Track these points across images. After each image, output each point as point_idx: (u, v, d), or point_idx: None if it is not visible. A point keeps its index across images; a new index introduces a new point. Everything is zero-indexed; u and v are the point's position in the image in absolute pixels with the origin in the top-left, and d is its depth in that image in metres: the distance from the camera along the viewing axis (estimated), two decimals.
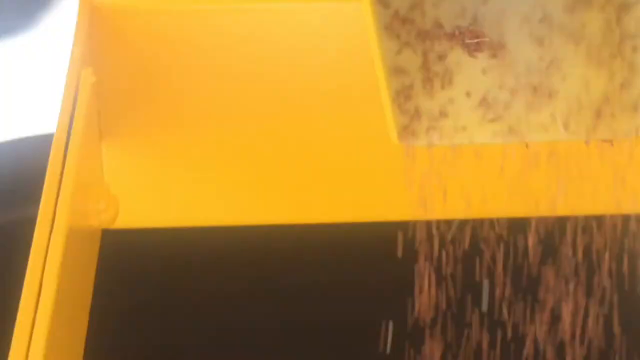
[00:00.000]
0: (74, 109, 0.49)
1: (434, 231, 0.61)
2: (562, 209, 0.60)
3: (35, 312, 0.42)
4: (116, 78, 0.56)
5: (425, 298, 0.65)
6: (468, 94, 0.50)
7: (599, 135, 0.51)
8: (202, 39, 0.56)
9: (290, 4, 0.55)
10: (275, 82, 0.58)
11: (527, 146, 0.53)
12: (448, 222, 0.62)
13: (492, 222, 0.64)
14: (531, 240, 0.64)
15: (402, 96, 0.49)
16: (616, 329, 0.70)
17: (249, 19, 0.55)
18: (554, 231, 0.65)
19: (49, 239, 0.45)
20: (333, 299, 0.77)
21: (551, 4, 0.50)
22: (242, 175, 0.62)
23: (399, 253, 0.61)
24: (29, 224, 0.52)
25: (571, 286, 0.69)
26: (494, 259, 0.67)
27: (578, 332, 0.71)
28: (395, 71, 0.49)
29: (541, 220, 0.63)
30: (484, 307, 0.70)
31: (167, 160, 0.60)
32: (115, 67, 0.56)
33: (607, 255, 0.64)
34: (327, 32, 0.55)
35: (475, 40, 0.51)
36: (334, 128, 0.61)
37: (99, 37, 0.54)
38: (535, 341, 0.72)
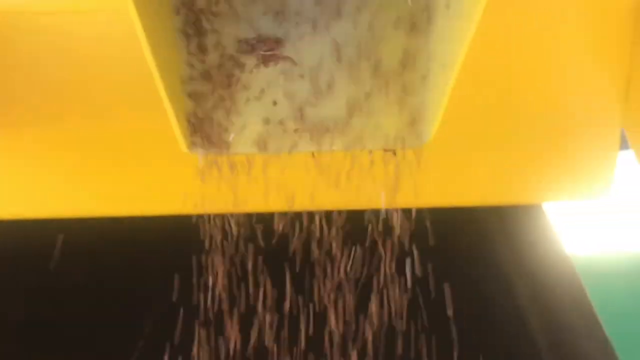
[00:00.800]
0: None
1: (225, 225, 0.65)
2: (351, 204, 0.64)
3: None
4: None
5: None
6: (253, 108, 0.53)
7: (380, 146, 0.55)
8: (24, 42, 0.57)
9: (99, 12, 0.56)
10: (83, 89, 0.59)
11: (312, 155, 0.56)
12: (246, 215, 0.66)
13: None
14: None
15: (190, 112, 0.51)
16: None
17: (55, 24, 0.56)
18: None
19: None
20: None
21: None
22: (67, 170, 0.63)
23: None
24: None
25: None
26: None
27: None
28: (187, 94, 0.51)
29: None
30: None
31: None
32: None
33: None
34: (124, 42, 0.56)
35: (270, 52, 0.54)
36: (133, 130, 0.62)
37: None
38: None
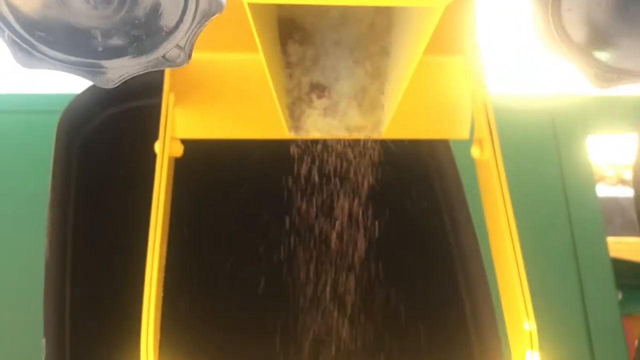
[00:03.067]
0: (167, 111, 1.28)
1: None
2: None
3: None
4: (186, 88, 1.32)
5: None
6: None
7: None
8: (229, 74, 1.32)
9: None
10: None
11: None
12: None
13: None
14: None
15: (291, 108, 1.28)
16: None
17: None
18: None
19: (162, 162, 1.25)
20: None
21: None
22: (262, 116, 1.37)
23: None
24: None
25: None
26: None
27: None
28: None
29: None
30: None
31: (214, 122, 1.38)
32: (185, 85, 1.32)
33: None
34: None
35: (320, 93, 1.31)
36: None
37: (179, 76, 1.30)
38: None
